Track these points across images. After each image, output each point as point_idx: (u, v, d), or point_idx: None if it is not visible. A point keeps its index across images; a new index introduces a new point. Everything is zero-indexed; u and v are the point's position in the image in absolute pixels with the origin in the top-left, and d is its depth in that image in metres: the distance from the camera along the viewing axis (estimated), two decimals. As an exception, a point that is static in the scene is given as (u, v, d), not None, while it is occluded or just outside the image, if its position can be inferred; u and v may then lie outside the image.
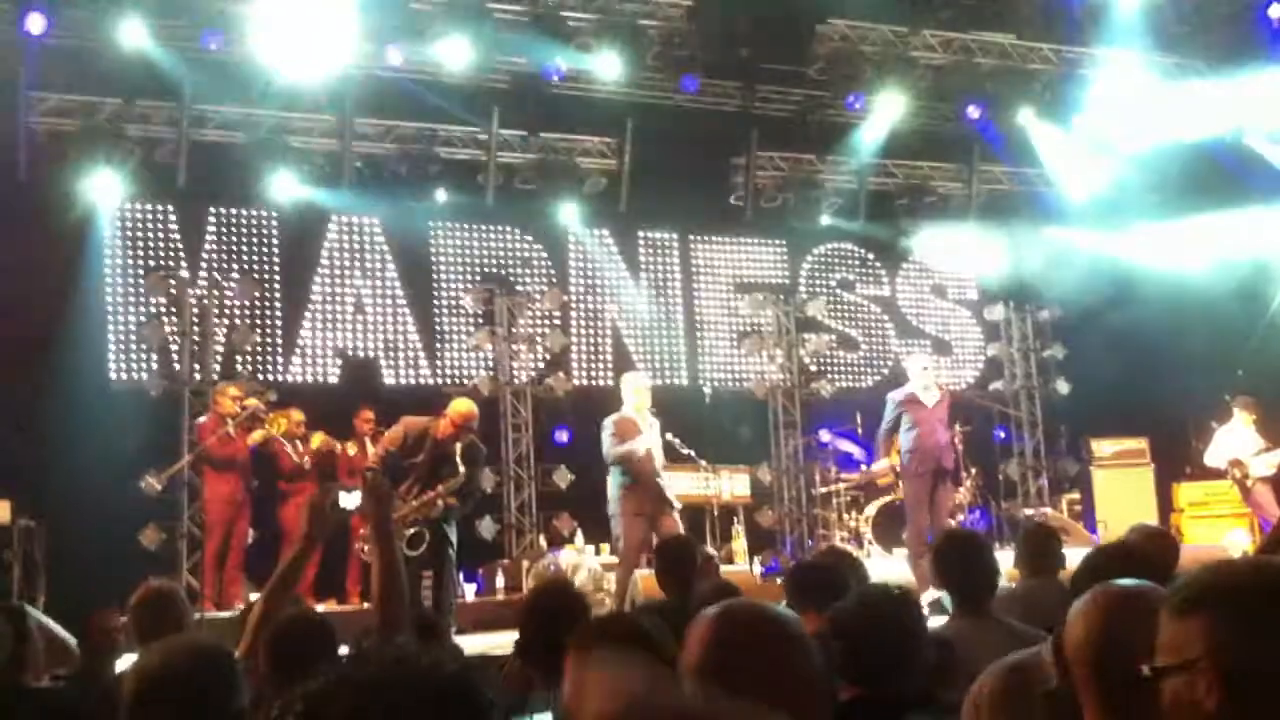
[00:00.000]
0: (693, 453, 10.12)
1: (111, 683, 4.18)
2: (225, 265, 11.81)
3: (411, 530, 8.08)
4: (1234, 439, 11.11)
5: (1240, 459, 10.98)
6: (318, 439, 10.53)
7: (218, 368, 11.19)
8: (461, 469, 8.28)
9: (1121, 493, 12.08)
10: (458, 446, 8.31)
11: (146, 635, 3.82)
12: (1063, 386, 13.43)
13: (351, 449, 10.69)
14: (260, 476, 10.42)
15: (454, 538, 8.44)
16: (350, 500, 3.77)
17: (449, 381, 12.15)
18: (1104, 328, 12.72)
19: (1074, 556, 8.65)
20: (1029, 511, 12.42)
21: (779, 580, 10.13)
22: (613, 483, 9.05)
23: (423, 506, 8.18)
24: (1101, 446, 12.53)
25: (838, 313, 14.05)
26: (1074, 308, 13.36)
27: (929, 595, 6.26)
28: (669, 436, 9.64)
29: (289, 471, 10.43)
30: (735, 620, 2.04)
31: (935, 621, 4.14)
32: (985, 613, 4.23)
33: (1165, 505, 12.37)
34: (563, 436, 12.47)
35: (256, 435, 10.22)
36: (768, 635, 2.02)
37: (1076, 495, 12.79)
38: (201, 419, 10.29)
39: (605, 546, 11.06)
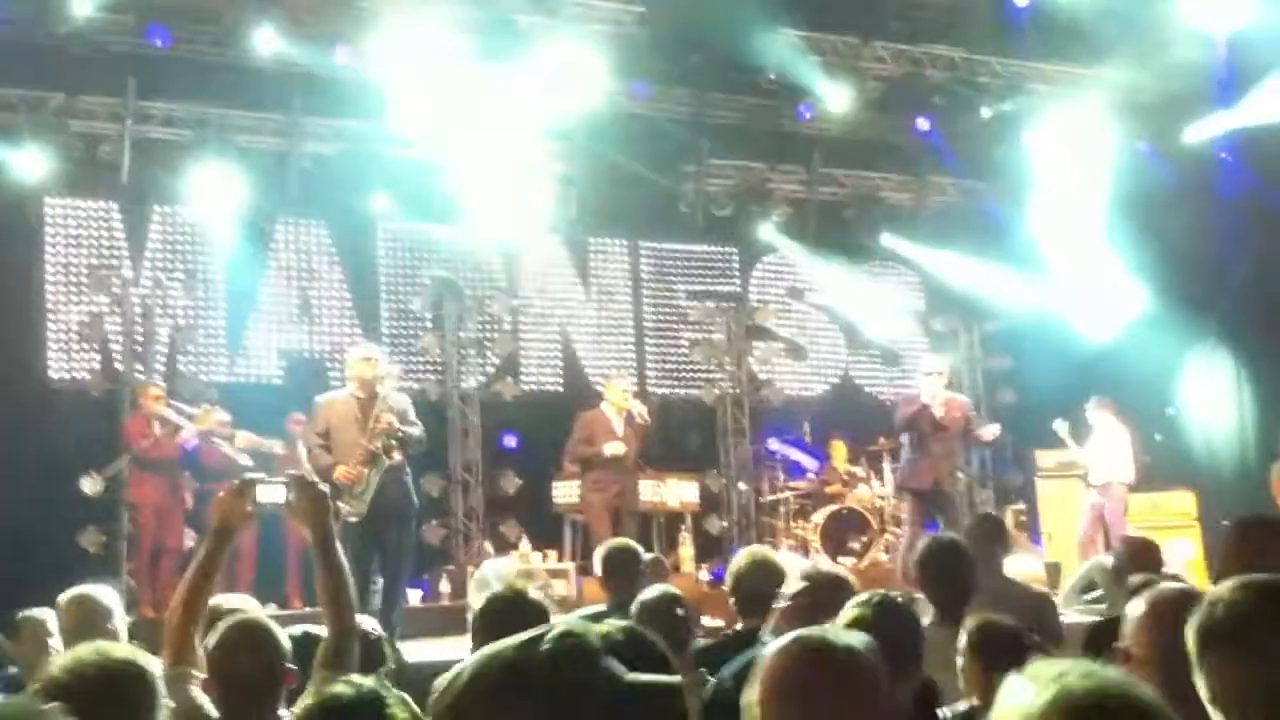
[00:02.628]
0: None
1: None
2: (169, 265, 11.64)
3: (382, 444, 8.15)
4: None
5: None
6: (242, 439, 10.29)
7: (160, 367, 11.04)
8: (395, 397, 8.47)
9: (1065, 504, 12.12)
10: (375, 380, 8.37)
11: (73, 639, 3.75)
12: (1008, 397, 13.54)
13: (279, 448, 10.51)
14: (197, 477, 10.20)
15: (414, 498, 8.60)
16: (269, 494, 3.46)
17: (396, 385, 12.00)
18: (1049, 338, 12.77)
19: (1017, 566, 8.70)
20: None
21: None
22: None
23: (376, 435, 8.15)
24: (1045, 458, 12.57)
25: (787, 321, 14.07)
26: (1020, 319, 13.41)
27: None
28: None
29: (216, 469, 10.11)
30: None
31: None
32: (961, 620, 4.32)
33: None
34: (510, 442, 12.40)
35: (185, 432, 9.96)
36: None
37: (1022, 506, 12.84)
38: (126, 420, 10.06)
39: (552, 553, 11.01)
